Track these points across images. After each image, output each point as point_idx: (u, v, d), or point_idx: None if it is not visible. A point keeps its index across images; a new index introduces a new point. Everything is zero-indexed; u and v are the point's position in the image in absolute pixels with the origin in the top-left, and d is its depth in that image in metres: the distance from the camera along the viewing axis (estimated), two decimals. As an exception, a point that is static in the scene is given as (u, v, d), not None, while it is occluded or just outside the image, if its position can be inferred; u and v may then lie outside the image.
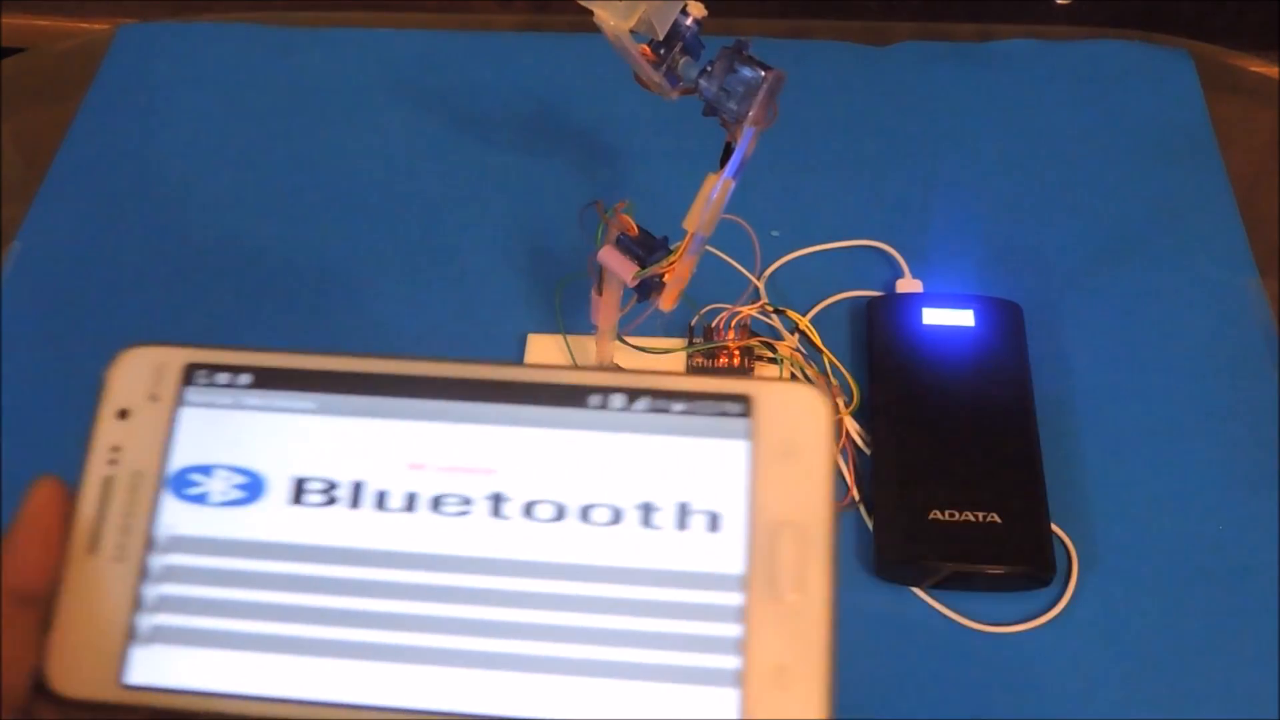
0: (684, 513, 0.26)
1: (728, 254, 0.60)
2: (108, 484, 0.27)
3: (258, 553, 0.26)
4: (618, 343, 0.55)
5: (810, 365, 0.57)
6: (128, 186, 0.68)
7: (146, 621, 0.26)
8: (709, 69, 0.42)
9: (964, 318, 0.58)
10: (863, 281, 0.62)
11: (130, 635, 0.26)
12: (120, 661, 0.26)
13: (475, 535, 0.26)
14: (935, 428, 0.55)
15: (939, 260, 0.63)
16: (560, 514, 0.26)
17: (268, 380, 0.28)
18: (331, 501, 0.27)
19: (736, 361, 0.57)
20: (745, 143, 0.43)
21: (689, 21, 0.42)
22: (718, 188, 0.44)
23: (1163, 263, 0.63)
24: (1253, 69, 0.74)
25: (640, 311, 0.50)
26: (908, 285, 0.61)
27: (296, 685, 0.25)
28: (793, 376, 0.57)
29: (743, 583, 0.25)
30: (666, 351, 0.57)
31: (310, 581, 0.26)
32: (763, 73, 0.42)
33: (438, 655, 0.25)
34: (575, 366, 0.27)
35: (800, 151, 0.68)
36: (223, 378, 0.28)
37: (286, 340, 0.61)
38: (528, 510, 0.26)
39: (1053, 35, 0.74)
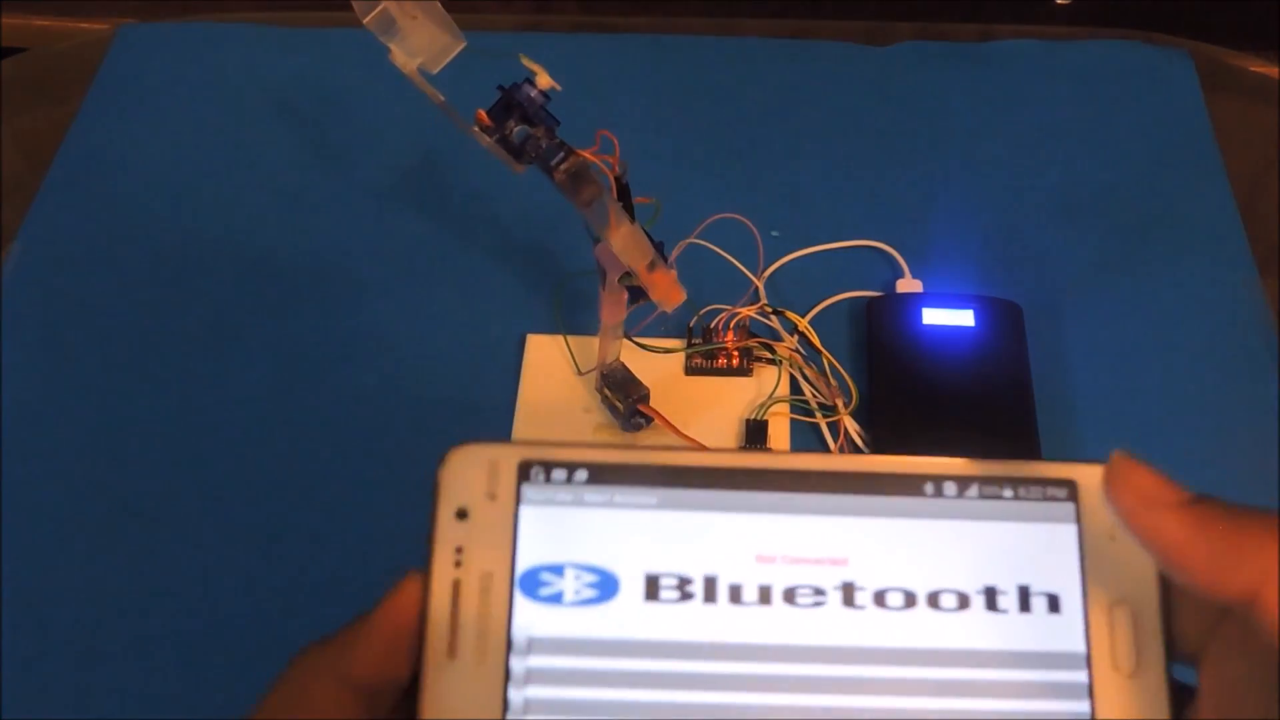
0: (1025, 595, 0.27)
1: (728, 254, 0.60)
2: (457, 586, 0.27)
3: (620, 651, 0.26)
4: (626, 341, 0.55)
5: (810, 366, 0.57)
6: (128, 186, 0.68)
7: (518, 718, 0.26)
8: (529, 147, 0.41)
9: (964, 318, 0.58)
10: (863, 281, 0.62)
11: None
12: None
13: (831, 625, 0.27)
14: (935, 428, 0.55)
15: (939, 260, 0.63)
16: (910, 601, 0.27)
17: (605, 476, 0.28)
18: (686, 597, 0.27)
19: (735, 362, 0.57)
20: (600, 212, 0.43)
21: (534, 93, 0.41)
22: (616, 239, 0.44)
23: (1163, 263, 0.63)
24: (1253, 69, 0.74)
25: (648, 312, 0.50)
26: (908, 285, 0.61)
27: None
28: (792, 379, 0.57)
29: (1086, 660, 0.26)
30: (667, 351, 0.57)
31: (675, 678, 0.26)
32: (561, 154, 0.41)
33: None
34: (906, 457, 0.27)
35: (800, 151, 0.68)
36: (559, 474, 0.28)
37: (285, 339, 0.61)
38: (879, 599, 0.27)
39: (1053, 35, 0.74)
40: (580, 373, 0.58)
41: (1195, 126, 0.69)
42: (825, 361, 0.58)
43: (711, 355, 0.58)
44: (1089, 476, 0.28)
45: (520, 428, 0.57)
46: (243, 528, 0.55)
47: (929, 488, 0.28)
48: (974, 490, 0.28)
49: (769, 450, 0.28)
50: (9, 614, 0.52)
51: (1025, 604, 0.27)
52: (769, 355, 0.58)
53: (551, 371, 0.59)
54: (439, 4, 0.40)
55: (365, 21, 0.40)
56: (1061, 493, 0.28)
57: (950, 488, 0.28)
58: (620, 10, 0.80)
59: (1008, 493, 0.28)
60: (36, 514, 0.55)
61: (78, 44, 0.77)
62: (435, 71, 0.41)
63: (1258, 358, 0.59)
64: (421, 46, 0.40)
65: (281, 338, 0.61)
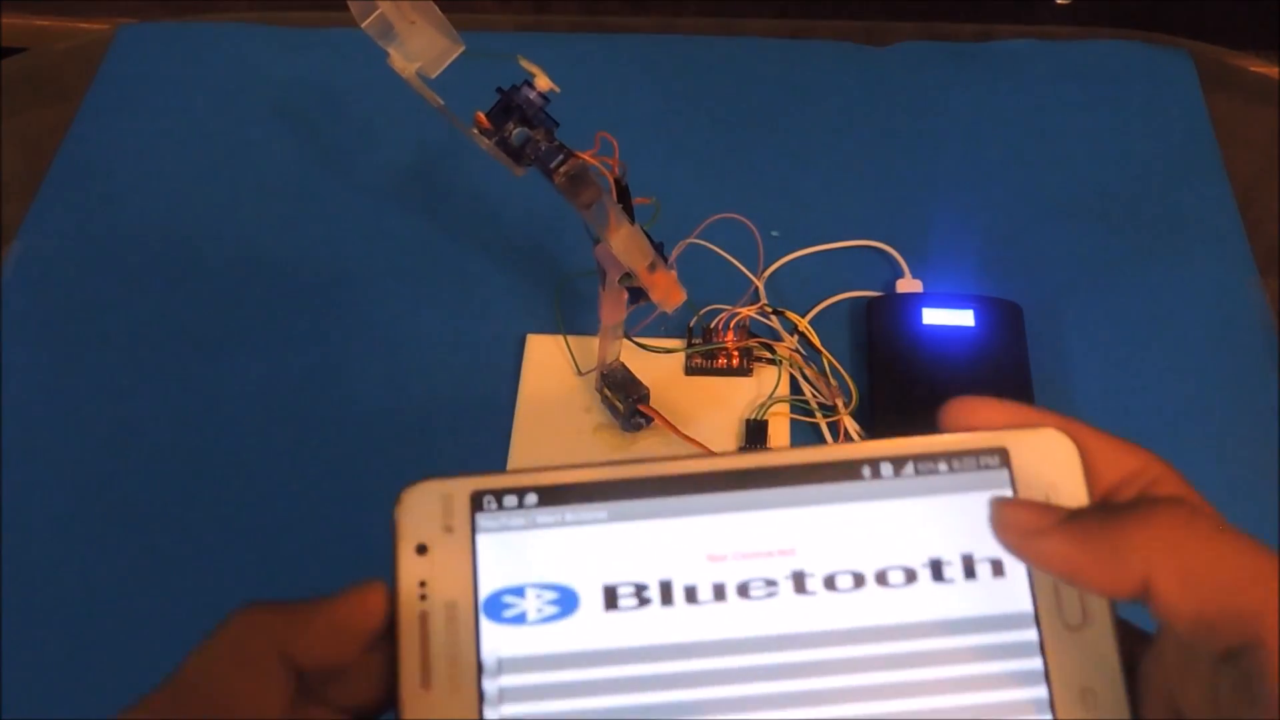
0: (970, 563, 0.28)
1: (728, 254, 0.60)
2: (424, 619, 0.27)
3: (587, 662, 0.27)
4: (626, 341, 0.55)
5: (810, 366, 0.57)
6: (128, 186, 0.68)
7: None
8: (528, 149, 0.42)
9: (964, 318, 0.58)
10: (863, 281, 0.62)
11: None
12: None
13: (785, 613, 0.28)
14: (936, 428, 0.55)
15: (939, 260, 0.63)
16: (859, 582, 0.28)
17: (554, 497, 0.28)
18: (644, 603, 0.28)
19: (735, 362, 0.57)
20: (600, 214, 0.43)
21: (533, 95, 0.41)
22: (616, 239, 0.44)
23: (1163, 263, 0.63)
24: (1253, 69, 0.74)
25: (648, 312, 0.50)
26: (908, 285, 0.61)
27: None
28: (792, 379, 0.57)
29: (1035, 618, 0.27)
30: (667, 351, 0.57)
31: (642, 681, 0.27)
32: (561, 155, 0.41)
33: None
34: (840, 444, 0.31)
35: (800, 151, 0.68)
36: (510, 500, 0.28)
37: (285, 339, 0.61)
38: (829, 583, 0.28)
39: (1053, 35, 0.74)
40: (580, 373, 0.58)
41: (1195, 126, 0.69)
42: (825, 361, 0.58)
43: (711, 355, 0.58)
44: (1018, 442, 0.28)
45: (520, 428, 0.57)
46: (243, 527, 0.55)
47: (866, 471, 0.28)
48: (909, 468, 0.29)
49: (708, 454, 0.29)
50: (9, 614, 0.52)
51: (970, 571, 0.28)
52: (769, 355, 0.58)
53: (551, 371, 0.59)
54: (436, 8, 0.40)
55: (363, 26, 0.40)
56: (994, 460, 0.28)
57: (886, 468, 0.29)
58: (620, 10, 0.80)
59: (942, 466, 0.29)
60: (36, 514, 0.55)
61: (78, 44, 0.77)
62: (434, 76, 0.41)
63: (1258, 358, 0.59)
64: (420, 50, 0.40)
65: (281, 337, 0.61)
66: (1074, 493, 0.28)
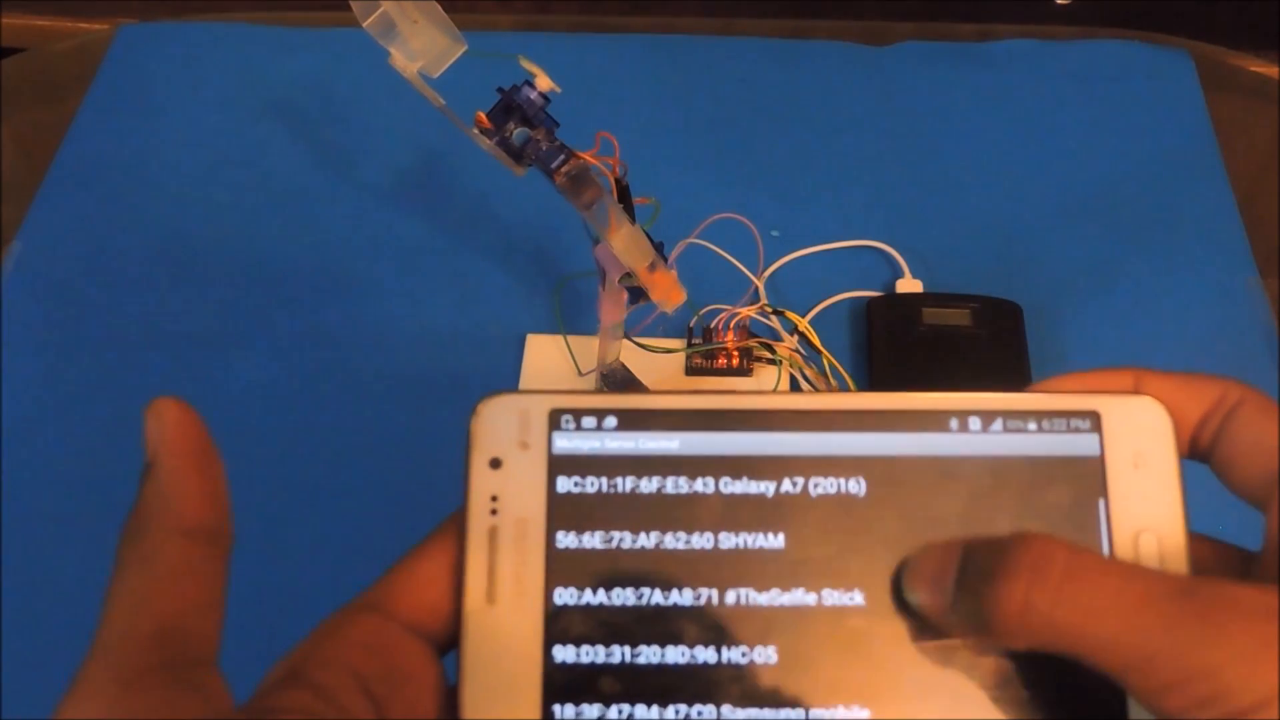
0: (1051, 528, 0.27)
1: (728, 254, 0.60)
2: (494, 534, 0.27)
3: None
4: (626, 341, 0.55)
5: (810, 366, 0.57)
6: (128, 186, 0.68)
7: (558, 658, 0.27)
8: (529, 149, 0.41)
9: (964, 318, 0.58)
10: (863, 281, 0.62)
11: (546, 676, 0.26)
12: (541, 705, 0.26)
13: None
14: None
15: (939, 260, 0.63)
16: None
17: (633, 422, 0.28)
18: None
19: (735, 362, 0.57)
20: (601, 214, 0.43)
21: (534, 95, 0.41)
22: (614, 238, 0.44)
23: (1163, 263, 0.63)
24: (1253, 69, 0.74)
25: (648, 312, 0.50)
26: (908, 285, 0.61)
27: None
28: (792, 379, 0.57)
29: None
30: (667, 351, 0.57)
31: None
32: (562, 155, 0.41)
33: None
34: (930, 394, 0.28)
35: (800, 151, 0.68)
36: (589, 422, 0.28)
37: (286, 339, 0.61)
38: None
39: (1053, 35, 0.74)
40: (580, 373, 0.58)
41: (1195, 126, 0.69)
42: (825, 361, 0.58)
43: (711, 355, 0.58)
44: (1112, 407, 0.28)
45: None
46: (242, 527, 0.55)
47: (953, 423, 0.28)
48: (998, 424, 0.28)
49: (793, 392, 0.27)
50: (9, 614, 0.52)
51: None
52: (769, 355, 0.58)
53: (551, 371, 0.59)
54: (439, 7, 0.40)
55: (365, 25, 0.40)
56: (1085, 424, 0.28)
57: (974, 423, 0.28)
58: (620, 10, 0.80)
59: (1031, 425, 0.28)
60: (36, 514, 0.55)
61: (78, 44, 0.77)
62: (436, 75, 0.41)
63: (1258, 358, 0.59)
64: (422, 50, 0.40)
65: (280, 338, 0.61)
66: (1163, 462, 0.27)
